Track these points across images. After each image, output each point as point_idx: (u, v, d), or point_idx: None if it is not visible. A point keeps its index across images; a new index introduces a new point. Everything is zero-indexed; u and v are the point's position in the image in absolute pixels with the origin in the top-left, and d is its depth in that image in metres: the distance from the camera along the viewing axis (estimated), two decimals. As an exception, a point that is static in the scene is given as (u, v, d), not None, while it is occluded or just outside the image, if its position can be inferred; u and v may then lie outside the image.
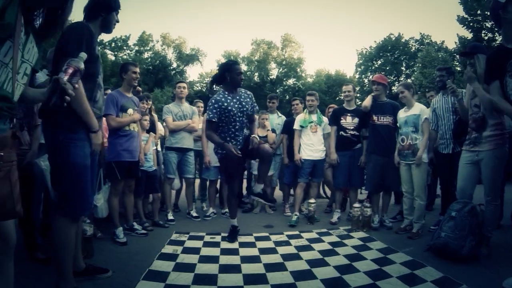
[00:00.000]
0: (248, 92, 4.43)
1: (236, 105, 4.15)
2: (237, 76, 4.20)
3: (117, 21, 2.78)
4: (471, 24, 23.90)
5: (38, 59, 1.94)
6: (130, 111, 4.10)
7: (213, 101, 4.14)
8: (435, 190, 6.13)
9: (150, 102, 5.72)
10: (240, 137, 4.23)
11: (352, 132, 5.29)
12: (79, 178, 2.40)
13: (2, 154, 1.51)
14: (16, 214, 1.59)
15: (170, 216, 5.11)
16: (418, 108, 4.57)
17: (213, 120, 4.11)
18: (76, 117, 2.39)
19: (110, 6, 2.68)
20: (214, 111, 4.10)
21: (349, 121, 5.32)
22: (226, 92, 4.21)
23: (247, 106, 4.23)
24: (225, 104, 4.11)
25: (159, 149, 5.70)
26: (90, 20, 2.62)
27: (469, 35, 24.33)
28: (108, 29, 2.75)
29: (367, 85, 35.31)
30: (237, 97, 4.21)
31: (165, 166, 5.31)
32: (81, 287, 2.55)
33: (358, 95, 33.76)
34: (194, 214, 5.41)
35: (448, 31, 54.74)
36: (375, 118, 5.01)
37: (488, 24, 23.14)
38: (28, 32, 1.76)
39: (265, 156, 4.20)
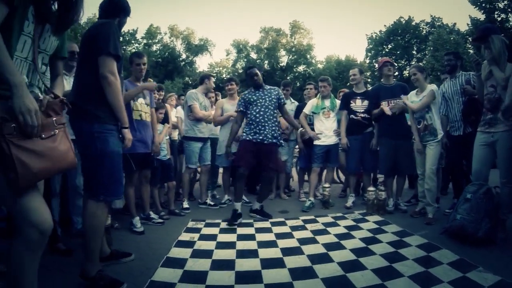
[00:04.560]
0: (275, 88, 4.98)
1: (257, 96, 4.74)
2: (250, 79, 4.86)
3: (125, 23, 2.97)
4: (483, 4, 23.39)
5: (61, 47, 2.04)
6: (140, 100, 4.10)
7: (242, 95, 4.90)
8: (449, 174, 6.09)
9: (163, 93, 5.73)
10: (266, 130, 4.61)
11: (362, 115, 5.28)
12: (116, 165, 2.57)
13: (55, 119, 1.79)
14: (75, 164, 1.90)
15: (186, 205, 5.14)
16: (429, 89, 4.53)
17: (239, 109, 4.79)
18: (109, 109, 2.51)
19: (126, 10, 2.87)
20: (241, 103, 4.79)
21: (359, 104, 5.31)
22: (252, 89, 4.84)
23: (271, 97, 4.75)
24: (249, 97, 4.75)
25: (175, 138, 5.73)
26: (108, 19, 2.71)
27: (481, 16, 23.85)
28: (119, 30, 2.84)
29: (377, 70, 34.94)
30: (261, 91, 4.78)
31: (187, 156, 5.31)
32: (107, 271, 2.61)
33: (369, 80, 33.45)
34: (212, 203, 5.45)
35: (460, 13, 53.49)
36: (384, 103, 5.00)
37: (501, 5, 22.67)
38: (43, 23, 1.79)
39: (267, 180, 4.87)
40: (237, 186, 4.68)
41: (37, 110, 1.60)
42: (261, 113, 4.62)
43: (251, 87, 4.89)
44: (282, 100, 4.87)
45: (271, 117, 4.67)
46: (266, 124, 4.60)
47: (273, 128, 4.66)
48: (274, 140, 4.63)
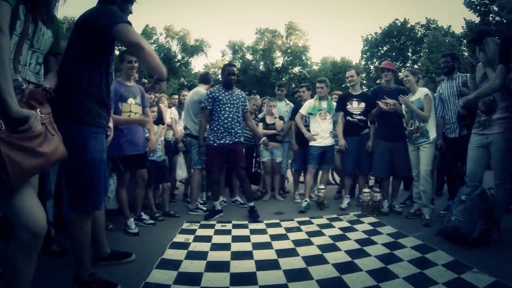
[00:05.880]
0: (243, 94, 5.13)
1: (227, 98, 4.81)
2: (227, 76, 4.89)
3: (131, 12, 2.61)
4: (478, 7, 23.52)
5: (55, 43, 2.04)
6: (130, 100, 3.96)
7: (208, 92, 4.87)
8: (444, 175, 6.10)
9: (159, 94, 5.69)
10: (234, 131, 4.81)
11: (359, 117, 5.28)
12: (96, 173, 2.34)
13: (39, 109, 1.71)
14: (65, 155, 1.85)
15: (203, 207, 5.17)
16: (420, 92, 4.58)
17: (207, 107, 4.77)
18: (95, 110, 2.32)
19: None
20: (209, 100, 4.79)
21: (355, 106, 5.31)
22: (222, 88, 4.88)
23: (239, 103, 4.91)
24: (217, 95, 4.79)
25: (169, 138, 5.69)
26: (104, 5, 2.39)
27: (476, 18, 23.97)
28: None
29: (373, 72, 35.07)
30: (230, 92, 4.87)
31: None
32: (102, 273, 2.61)
33: (364, 81, 33.54)
34: (204, 208, 5.29)
35: (455, 15, 54.24)
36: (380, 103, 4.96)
37: (496, 7, 22.76)
38: (36, 20, 1.78)
39: (242, 178, 4.90)
40: (212, 191, 5.05)
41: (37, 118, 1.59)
42: (230, 119, 4.77)
43: (221, 84, 4.96)
44: (246, 108, 5.05)
45: (238, 123, 4.89)
46: (232, 128, 4.80)
47: (239, 128, 4.92)
48: (240, 139, 4.89)
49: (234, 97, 4.86)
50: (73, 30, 2.30)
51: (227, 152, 4.77)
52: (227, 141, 4.74)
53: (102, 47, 2.30)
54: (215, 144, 4.74)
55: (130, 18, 2.58)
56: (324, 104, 5.52)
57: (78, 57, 2.23)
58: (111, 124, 3.00)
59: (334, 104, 5.63)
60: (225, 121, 4.73)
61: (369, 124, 5.32)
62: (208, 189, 6.17)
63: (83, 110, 2.25)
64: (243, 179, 4.89)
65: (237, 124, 4.84)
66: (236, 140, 4.83)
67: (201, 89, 5.32)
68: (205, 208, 5.12)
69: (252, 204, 4.80)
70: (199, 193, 5.45)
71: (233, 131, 4.77)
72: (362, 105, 5.28)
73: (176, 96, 6.52)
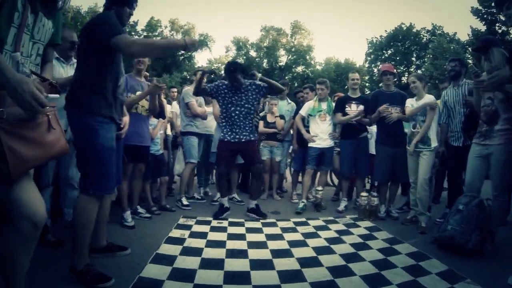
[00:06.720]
0: (252, 83, 4.80)
1: (237, 100, 4.71)
2: (233, 78, 4.62)
3: (131, 14, 2.84)
4: (485, 16, 23.52)
5: (55, 34, 1.99)
6: (138, 93, 4.07)
7: (219, 82, 4.80)
8: (442, 183, 6.10)
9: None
10: (243, 129, 4.76)
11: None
12: (106, 159, 2.50)
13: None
14: (67, 149, 1.85)
15: (185, 201, 5.13)
16: (427, 98, 4.54)
17: (207, 89, 4.74)
18: (104, 101, 2.52)
19: (121, 0, 2.75)
20: (212, 88, 4.74)
21: (354, 109, 5.28)
22: (231, 88, 4.73)
23: (248, 95, 4.74)
24: (225, 93, 4.73)
25: (168, 132, 5.70)
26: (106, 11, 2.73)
27: (482, 27, 24.01)
28: (120, 21, 2.67)
29: (376, 75, 35.06)
30: (238, 93, 4.72)
31: (187, 150, 5.23)
32: (96, 265, 2.60)
33: (367, 84, 33.49)
34: (199, 197, 5.47)
35: (461, 23, 54.21)
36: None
37: (503, 17, 22.75)
38: (36, 11, 1.76)
39: (256, 173, 4.95)
40: (220, 185, 5.04)
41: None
42: (237, 112, 4.72)
43: (231, 84, 4.73)
44: (263, 90, 4.83)
45: (248, 116, 4.80)
46: (242, 123, 4.76)
47: (250, 125, 4.84)
48: (251, 136, 4.81)
49: (243, 93, 4.74)
50: (81, 33, 2.64)
51: (240, 149, 4.82)
52: (237, 138, 4.73)
53: (107, 50, 2.47)
54: (226, 140, 4.76)
55: (135, 10, 2.85)
56: (324, 106, 5.50)
57: (89, 57, 2.51)
58: (126, 118, 3.24)
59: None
60: (234, 115, 4.71)
61: (367, 127, 5.35)
62: (206, 185, 6.22)
63: (93, 103, 2.46)
64: (259, 175, 4.96)
65: (245, 121, 4.77)
66: (248, 138, 4.78)
67: (189, 87, 5.44)
68: (187, 203, 5.11)
69: (255, 202, 4.84)
70: (185, 188, 5.43)
71: (241, 129, 4.75)
72: (361, 108, 5.27)
73: (175, 90, 6.52)
